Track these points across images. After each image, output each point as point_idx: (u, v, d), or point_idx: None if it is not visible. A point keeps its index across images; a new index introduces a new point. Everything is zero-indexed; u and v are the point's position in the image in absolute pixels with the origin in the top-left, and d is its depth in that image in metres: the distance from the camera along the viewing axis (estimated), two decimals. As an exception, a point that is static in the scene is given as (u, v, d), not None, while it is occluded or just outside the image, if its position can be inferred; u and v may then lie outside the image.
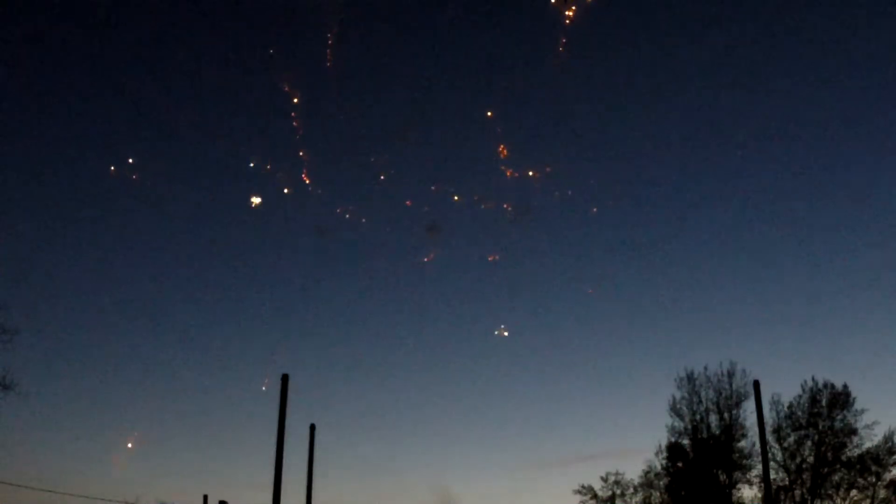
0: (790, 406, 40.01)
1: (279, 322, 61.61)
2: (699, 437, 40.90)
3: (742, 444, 40.26)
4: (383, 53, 56.82)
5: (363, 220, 58.00)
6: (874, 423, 39.08)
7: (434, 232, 50.15)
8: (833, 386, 39.74)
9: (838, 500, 39.55)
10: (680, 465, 41.79)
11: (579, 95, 59.09)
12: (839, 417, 39.33)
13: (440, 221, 57.95)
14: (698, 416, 41.11)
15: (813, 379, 40.14)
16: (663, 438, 42.08)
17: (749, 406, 39.52)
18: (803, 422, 39.74)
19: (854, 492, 39.51)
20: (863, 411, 39.25)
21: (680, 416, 41.54)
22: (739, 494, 40.37)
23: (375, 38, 55.36)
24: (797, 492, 39.36)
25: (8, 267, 52.20)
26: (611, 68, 59.78)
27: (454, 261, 59.42)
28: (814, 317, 59.42)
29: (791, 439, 39.87)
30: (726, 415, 40.61)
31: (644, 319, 61.83)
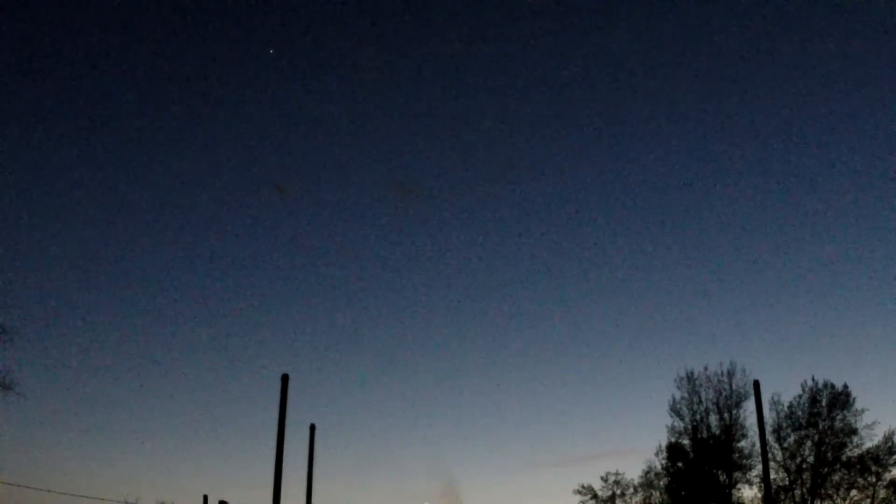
0: (790, 406, 40.05)
1: (279, 322, 61.65)
2: (699, 437, 40.89)
3: (742, 444, 40.33)
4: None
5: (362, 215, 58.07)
6: (874, 423, 39.12)
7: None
8: (833, 386, 39.76)
9: (838, 500, 39.54)
10: (680, 465, 41.78)
11: (582, 97, 59.18)
12: (839, 417, 39.32)
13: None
14: (698, 416, 41.13)
15: (813, 379, 40.19)
16: (663, 438, 42.16)
17: (749, 406, 39.59)
18: (803, 422, 39.73)
19: (854, 492, 39.51)
20: (863, 411, 39.29)
21: (680, 416, 41.59)
22: (739, 494, 40.41)
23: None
24: (797, 492, 39.35)
25: (8, 267, 52.16)
26: (612, 67, 59.84)
27: (455, 263, 59.44)
28: (814, 317, 59.43)
29: (791, 439, 39.88)
30: (726, 415, 40.62)
31: (644, 319, 61.84)
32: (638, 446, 58.67)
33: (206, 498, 31.40)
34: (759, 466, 36.82)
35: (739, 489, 40.40)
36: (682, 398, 41.54)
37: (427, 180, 64.41)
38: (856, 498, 39.46)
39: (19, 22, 55.29)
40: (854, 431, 39.12)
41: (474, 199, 63.66)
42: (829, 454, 39.23)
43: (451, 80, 60.57)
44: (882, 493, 39.02)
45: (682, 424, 41.47)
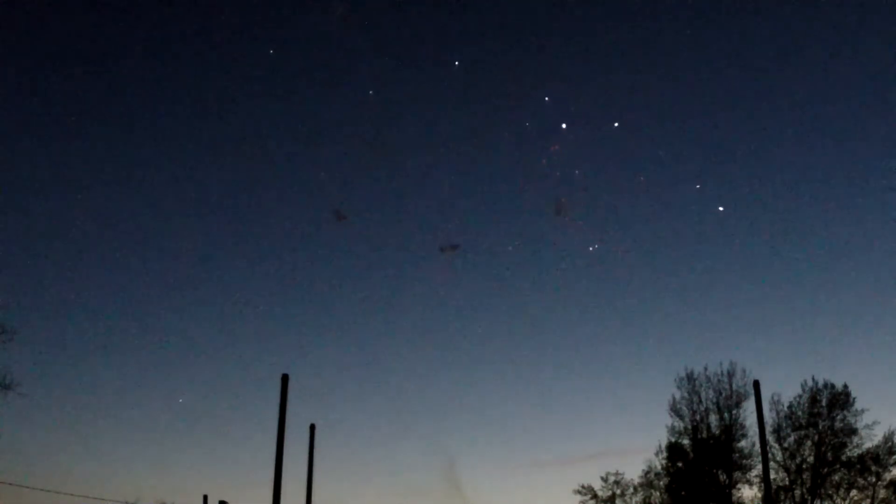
0: (790, 406, 40.07)
1: (279, 322, 61.66)
2: (699, 437, 40.92)
3: (742, 444, 40.34)
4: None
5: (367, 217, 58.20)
6: (874, 423, 39.13)
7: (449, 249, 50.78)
8: (833, 386, 39.78)
9: (838, 500, 39.57)
10: (680, 465, 41.79)
11: (578, 90, 59.22)
12: (839, 417, 39.35)
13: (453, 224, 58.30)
14: (698, 416, 41.16)
15: (813, 379, 40.20)
16: (663, 438, 42.15)
17: (749, 406, 39.59)
18: (803, 422, 39.76)
19: (854, 492, 39.54)
20: (863, 411, 39.29)
21: (680, 416, 41.61)
22: (739, 494, 40.42)
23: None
24: (797, 492, 39.37)
25: (8, 267, 52.22)
26: (615, 62, 59.86)
27: (457, 264, 59.47)
28: (814, 317, 59.33)
29: (791, 439, 39.91)
30: (726, 415, 40.65)
31: (644, 319, 61.75)
32: (638, 446, 58.53)
33: (205, 498, 31.43)
34: (759, 466, 36.85)
35: (739, 489, 40.46)
36: (682, 398, 41.60)
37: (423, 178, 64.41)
38: (856, 498, 39.50)
39: (31, 23, 55.34)
40: (854, 431, 39.16)
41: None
42: (829, 454, 39.26)
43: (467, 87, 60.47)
44: (882, 493, 39.05)
45: (682, 424, 41.53)
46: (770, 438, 38.39)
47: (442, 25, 58.20)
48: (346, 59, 57.76)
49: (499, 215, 62.10)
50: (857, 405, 39.34)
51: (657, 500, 42.61)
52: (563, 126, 51.88)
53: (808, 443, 39.58)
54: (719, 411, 40.78)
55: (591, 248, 58.87)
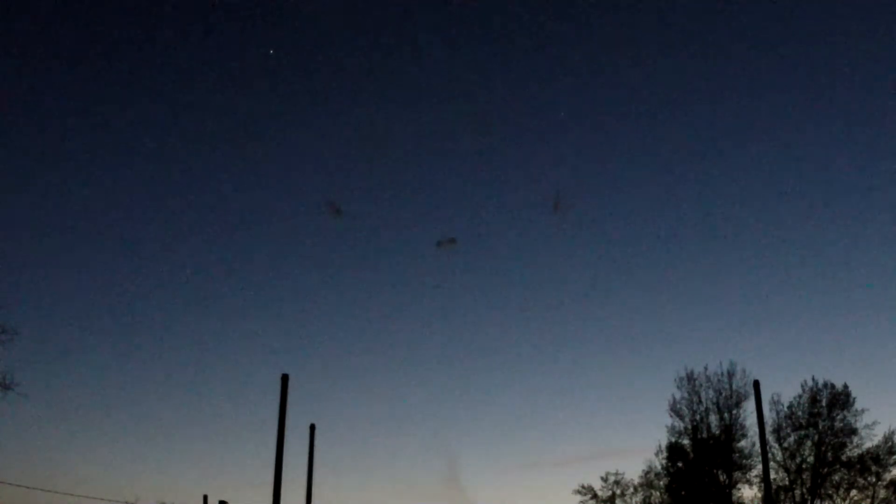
0: (790, 406, 40.02)
1: (279, 322, 61.70)
2: (699, 437, 40.89)
3: (742, 444, 40.31)
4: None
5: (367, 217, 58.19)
6: (874, 423, 39.09)
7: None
8: (833, 386, 39.74)
9: (838, 500, 39.55)
10: (680, 465, 41.78)
11: (573, 92, 59.24)
12: (839, 417, 39.30)
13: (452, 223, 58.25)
14: (698, 416, 41.12)
15: (813, 379, 40.16)
16: (663, 438, 42.14)
17: (749, 406, 39.56)
18: (803, 422, 39.73)
19: (854, 492, 39.51)
20: (863, 411, 39.26)
21: (680, 416, 41.58)
22: (739, 494, 40.40)
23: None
24: (797, 492, 39.35)
25: (8, 267, 52.22)
26: (609, 67, 59.88)
27: (456, 262, 59.48)
28: (814, 317, 59.44)
29: (791, 439, 39.88)
30: (726, 415, 40.61)
31: (644, 319, 61.87)
32: (638, 446, 58.58)
33: (206, 498, 31.42)
34: (759, 466, 36.80)
35: (739, 489, 40.44)
36: (682, 398, 41.56)
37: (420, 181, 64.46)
38: (856, 498, 39.47)
39: (31, 22, 55.37)
40: (854, 431, 39.12)
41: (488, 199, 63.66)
42: (829, 454, 39.23)
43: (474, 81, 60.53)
44: (882, 493, 39.02)
45: (682, 424, 41.50)
46: (770, 438, 38.37)
47: (442, 25, 58.24)
48: (346, 58, 57.81)
49: (497, 211, 62.16)
50: (857, 405, 39.36)
51: (657, 500, 42.62)
52: (563, 120, 51.90)
53: (808, 443, 39.56)
54: (719, 411, 40.76)
55: (590, 248, 58.85)
